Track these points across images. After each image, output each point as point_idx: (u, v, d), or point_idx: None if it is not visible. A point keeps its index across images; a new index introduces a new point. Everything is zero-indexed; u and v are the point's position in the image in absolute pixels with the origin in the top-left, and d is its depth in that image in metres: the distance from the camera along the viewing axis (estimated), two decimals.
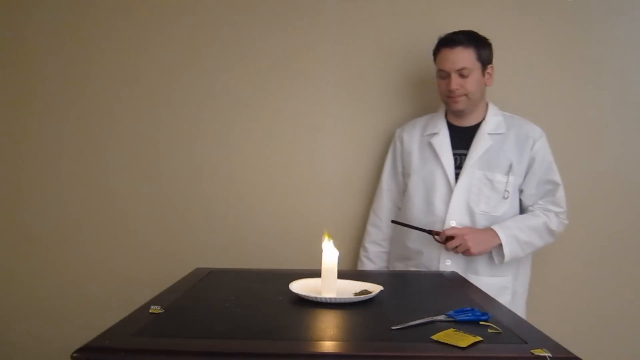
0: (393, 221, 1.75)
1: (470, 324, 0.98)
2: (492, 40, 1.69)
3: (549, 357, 0.81)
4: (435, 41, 1.71)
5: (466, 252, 1.59)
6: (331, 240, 1.21)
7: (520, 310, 1.70)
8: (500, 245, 1.60)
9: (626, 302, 1.94)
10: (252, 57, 1.99)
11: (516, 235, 1.61)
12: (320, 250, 1.21)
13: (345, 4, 1.96)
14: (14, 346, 2.04)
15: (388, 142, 1.94)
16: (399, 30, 1.96)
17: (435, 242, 1.64)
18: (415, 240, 1.70)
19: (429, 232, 1.63)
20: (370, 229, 1.87)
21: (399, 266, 1.77)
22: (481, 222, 1.65)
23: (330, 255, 1.20)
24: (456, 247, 1.58)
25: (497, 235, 1.60)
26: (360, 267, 1.87)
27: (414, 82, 1.97)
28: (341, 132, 1.99)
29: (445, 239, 1.60)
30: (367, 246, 1.86)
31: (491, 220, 1.65)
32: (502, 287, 1.66)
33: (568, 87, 1.93)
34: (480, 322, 0.99)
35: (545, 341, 0.90)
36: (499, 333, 0.94)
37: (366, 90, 1.98)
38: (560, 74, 1.93)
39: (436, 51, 1.71)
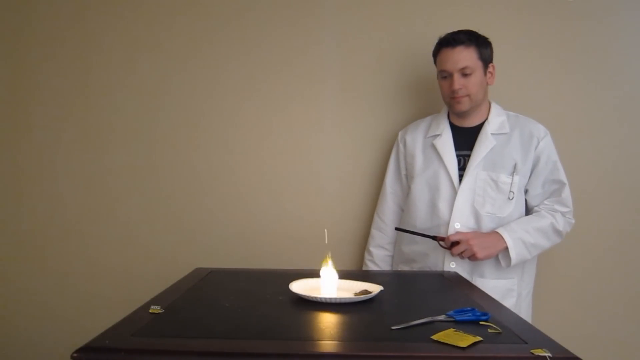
0: (397, 228, 1.74)
1: (470, 324, 0.98)
2: (493, 40, 1.69)
3: (549, 357, 0.81)
4: (435, 41, 1.70)
5: (472, 257, 1.58)
6: (330, 264, 1.21)
7: (524, 311, 1.69)
8: (507, 249, 1.58)
9: (632, 302, 1.93)
10: (252, 58, 1.98)
11: (522, 238, 1.59)
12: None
13: (345, 4, 1.96)
14: (13, 346, 2.04)
15: (388, 142, 1.95)
16: (399, 30, 1.96)
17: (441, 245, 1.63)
18: (420, 243, 1.69)
19: (434, 238, 1.62)
20: (374, 232, 1.86)
21: (404, 269, 1.77)
22: (487, 224, 1.63)
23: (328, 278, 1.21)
24: (462, 252, 1.57)
25: (502, 238, 1.58)
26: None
27: (415, 83, 1.97)
28: (341, 132, 1.99)
29: (450, 245, 1.60)
30: (372, 250, 1.85)
31: (497, 221, 1.63)
32: (508, 289, 1.65)
33: (571, 85, 1.93)
34: (480, 322, 0.99)
35: (545, 341, 0.90)
36: (499, 333, 0.94)
37: (366, 91, 1.98)
38: (563, 72, 1.92)
39: (436, 52, 1.71)
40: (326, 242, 1.24)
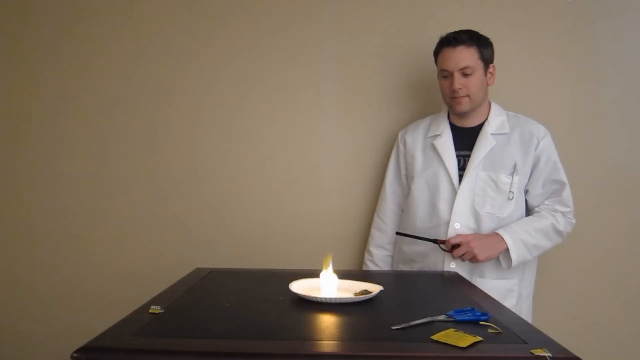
0: (397, 233, 1.74)
1: (470, 324, 0.98)
2: (493, 40, 1.69)
3: (549, 357, 0.81)
4: (436, 41, 1.70)
5: (473, 260, 1.57)
6: (329, 268, 1.21)
7: (525, 311, 1.69)
8: (507, 250, 1.58)
9: (633, 302, 1.93)
10: (252, 58, 1.98)
11: (523, 239, 1.59)
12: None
13: (345, 4, 1.96)
14: (14, 346, 2.04)
15: (388, 142, 1.94)
16: (399, 30, 1.96)
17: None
18: (420, 243, 1.68)
19: (434, 241, 1.62)
20: (374, 232, 1.86)
21: (404, 269, 1.76)
22: (487, 224, 1.63)
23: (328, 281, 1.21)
24: (463, 254, 1.57)
25: (503, 239, 1.58)
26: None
27: (415, 83, 1.97)
28: (341, 132, 1.99)
29: (451, 247, 1.59)
30: (372, 250, 1.85)
31: (497, 222, 1.63)
32: (509, 290, 1.65)
33: (571, 85, 1.93)
34: (480, 322, 0.99)
35: (545, 341, 0.90)
36: (499, 333, 0.94)
37: (367, 91, 1.97)
38: (563, 72, 1.92)
39: (437, 51, 1.70)
40: None
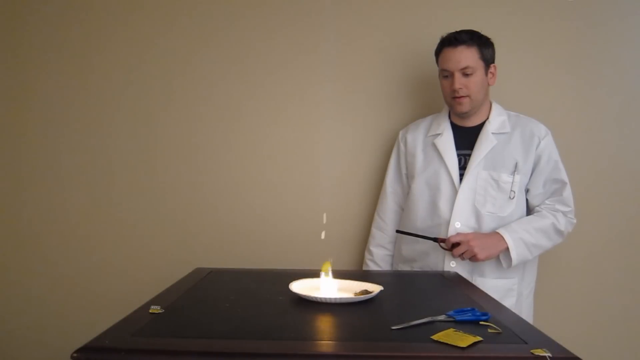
0: (398, 231, 1.74)
1: (470, 324, 0.98)
2: (494, 40, 1.69)
3: (549, 357, 0.81)
4: (436, 41, 1.70)
5: (473, 258, 1.57)
6: (329, 273, 1.21)
7: (525, 311, 1.69)
8: (508, 249, 1.58)
9: (633, 302, 1.93)
10: (252, 58, 1.98)
11: (523, 238, 1.59)
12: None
13: (345, 4, 1.96)
14: (14, 346, 2.04)
15: (388, 141, 1.94)
16: (400, 30, 1.96)
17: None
18: (420, 242, 1.68)
19: (435, 239, 1.62)
20: (375, 232, 1.86)
21: (404, 268, 1.76)
22: (488, 223, 1.63)
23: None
24: (462, 253, 1.57)
25: (503, 239, 1.58)
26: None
27: (416, 82, 1.97)
28: (342, 131, 1.99)
29: (451, 246, 1.60)
30: (372, 249, 1.85)
31: (498, 221, 1.63)
32: (508, 289, 1.64)
33: (572, 85, 1.92)
34: (480, 322, 0.99)
35: (545, 341, 0.90)
36: (499, 333, 0.94)
37: (367, 90, 1.97)
38: (564, 72, 1.92)
39: (438, 51, 1.70)
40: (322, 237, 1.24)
